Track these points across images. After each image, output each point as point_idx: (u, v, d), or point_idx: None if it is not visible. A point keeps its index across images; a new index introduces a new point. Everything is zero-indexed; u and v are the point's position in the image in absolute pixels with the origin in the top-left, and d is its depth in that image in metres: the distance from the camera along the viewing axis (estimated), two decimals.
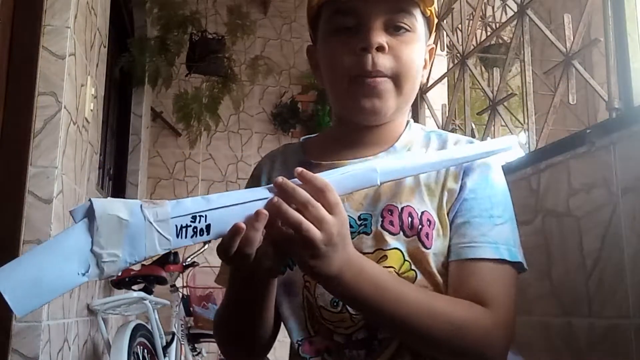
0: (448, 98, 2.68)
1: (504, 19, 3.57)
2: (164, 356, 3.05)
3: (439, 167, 0.84)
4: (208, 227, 0.66)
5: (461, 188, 0.85)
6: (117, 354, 2.49)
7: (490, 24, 3.92)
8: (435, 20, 0.95)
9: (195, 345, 3.60)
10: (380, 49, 0.84)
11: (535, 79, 1.82)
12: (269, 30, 5.30)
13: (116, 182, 4.11)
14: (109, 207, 0.62)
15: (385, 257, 0.83)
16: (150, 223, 0.63)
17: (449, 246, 0.84)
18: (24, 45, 1.98)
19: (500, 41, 3.78)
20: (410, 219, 0.83)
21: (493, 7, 3.91)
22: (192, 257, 3.59)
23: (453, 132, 2.29)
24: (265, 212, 0.68)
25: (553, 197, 1.31)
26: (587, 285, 1.17)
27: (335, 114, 0.97)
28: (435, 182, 0.86)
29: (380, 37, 0.84)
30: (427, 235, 0.83)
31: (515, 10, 1.70)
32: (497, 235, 0.82)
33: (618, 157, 1.10)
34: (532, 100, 1.63)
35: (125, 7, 3.99)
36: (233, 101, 4.35)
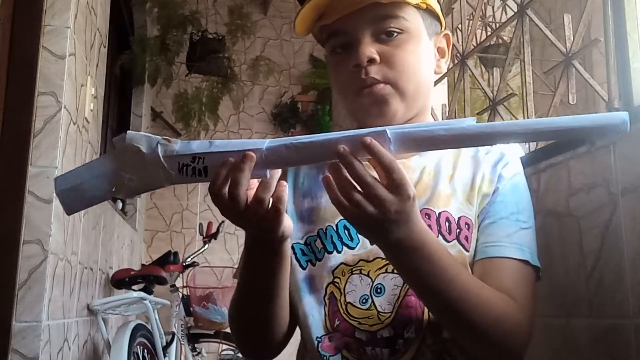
0: (448, 98, 2.68)
1: (504, 19, 3.57)
2: (164, 356, 3.05)
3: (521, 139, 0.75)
4: (205, 169, 0.70)
5: (494, 192, 0.89)
6: (117, 354, 2.49)
7: (490, 24, 3.92)
8: (437, 7, 0.94)
9: (195, 345, 3.60)
10: (371, 61, 0.86)
11: (535, 79, 1.82)
12: (269, 30, 5.30)
13: None
14: (135, 139, 0.71)
15: None
16: (160, 157, 0.70)
17: (475, 246, 0.87)
18: (24, 45, 1.98)
19: (500, 41, 3.78)
20: (447, 223, 0.86)
21: (493, 7, 3.91)
22: (192, 257, 3.60)
23: None
24: (252, 154, 0.68)
25: (553, 197, 1.30)
26: (587, 285, 1.17)
27: (355, 125, 1.00)
28: (471, 188, 0.90)
29: (369, 50, 0.86)
30: (466, 238, 0.86)
31: (515, 10, 1.70)
32: (521, 238, 0.86)
33: (618, 157, 1.10)
34: (532, 100, 1.63)
35: (125, 7, 3.99)
36: (233, 101, 4.35)
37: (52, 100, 1.98)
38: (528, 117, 1.61)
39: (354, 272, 0.87)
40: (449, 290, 0.75)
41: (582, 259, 1.19)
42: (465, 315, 0.77)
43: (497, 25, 3.60)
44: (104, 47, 2.73)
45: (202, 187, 4.99)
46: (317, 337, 0.87)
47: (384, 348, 0.84)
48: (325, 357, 0.86)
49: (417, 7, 0.90)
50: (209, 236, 3.74)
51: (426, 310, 0.84)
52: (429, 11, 0.92)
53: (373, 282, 0.86)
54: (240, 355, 3.68)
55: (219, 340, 3.59)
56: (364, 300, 0.86)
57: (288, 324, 0.91)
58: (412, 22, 0.89)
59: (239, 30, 4.18)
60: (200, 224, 3.90)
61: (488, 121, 1.83)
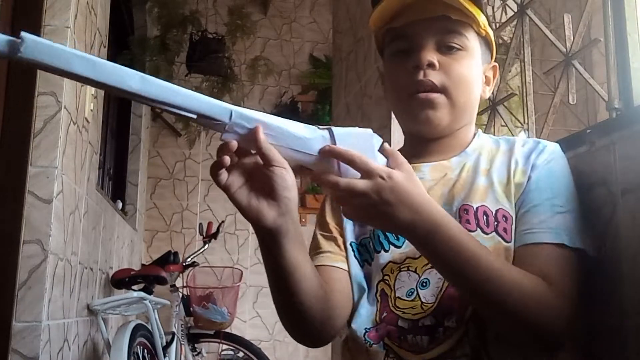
0: None
1: (504, 19, 3.57)
2: (164, 356, 3.05)
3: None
4: None
5: (527, 181, 0.91)
6: (117, 354, 2.49)
7: (490, 24, 3.92)
8: (493, 40, 1.02)
9: (195, 345, 3.60)
10: (431, 65, 0.92)
11: (535, 79, 1.82)
12: (269, 30, 5.30)
13: (116, 182, 4.11)
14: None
15: None
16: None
17: (514, 237, 0.88)
18: None
19: (500, 41, 3.78)
20: (485, 217, 0.89)
21: (493, 7, 3.91)
22: (192, 257, 3.60)
23: None
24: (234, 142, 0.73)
25: None
26: (587, 285, 1.17)
27: (404, 131, 1.07)
28: (507, 179, 0.92)
29: (431, 55, 0.93)
30: (505, 230, 0.89)
31: (515, 10, 1.70)
32: (557, 222, 0.87)
33: (618, 157, 1.10)
34: (532, 100, 1.63)
35: (126, 7, 3.98)
36: (233, 101, 4.35)
37: (52, 100, 1.98)
38: (528, 118, 1.61)
39: (402, 269, 0.92)
40: (472, 269, 0.77)
41: None
42: (489, 294, 0.78)
43: (497, 25, 3.60)
44: (104, 47, 2.73)
45: (202, 187, 4.99)
46: (365, 328, 0.92)
47: (424, 335, 0.86)
48: (369, 343, 0.91)
49: (478, 32, 0.98)
50: (209, 236, 3.74)
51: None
52: (485, 40, 1.01)
53: (420, 278, 0.90)
54: (240, 355, 3.68)
55: (219, 340, 3.59)
56: (410, 293, 0.90)
57: (335, 308, 0.91)
58: (471, 43, 0.97)
59: (238, 30, 4.18)
60: (200, 224, 3.90)
61: (488, 121, 1.83)
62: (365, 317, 0.93)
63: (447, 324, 0.85)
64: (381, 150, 0.79)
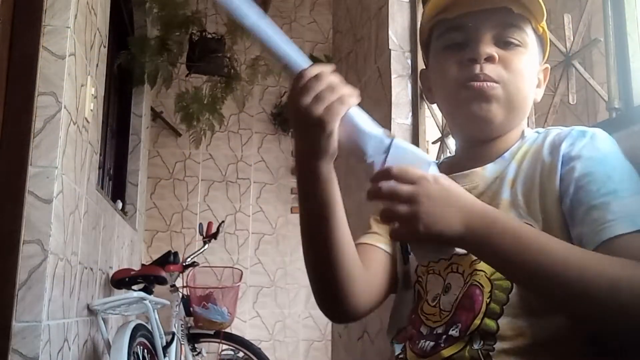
0: None
1: None
2: (164, 356, 3.05)
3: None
4: None
5: (567, 184, 0.80)
6: (117, 354, 2.49)
7: None
8: (548, 39, 0.95)
9: (195, 345, 3.60)
10: (490, 59, 0.86)
11: None
12: None
13: (116, 182, 4.11)
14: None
15: (477, 260, 0.83)
16: None
17: (581, 239, 0.77)
18: (24, 45, 1.98)
19: None
20: None
21: None
22: (192, 257, 3.60)
23: None
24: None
25: None
26: None
27: (455, 136, 1.00)
28: (531, 187, 0.84)
29: (490, 48, 0.86)
30: None
31: None
32: (627, 208, 0.75)
33: None
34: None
35: (126, 7, 3.98)
36: (236, 101, 4.33)
37: (52, 100, 1.98)
38: (528, 117, 1.60)
39: (429, 272, 0.91)
40: (542, 259, 0.70)
41: None
42: (569, 284, 0.69)
43: None
44: (104, 47, 2.73)
45: (202, 187, 4.99)
46: (398, 329, 0.94)
47: (431, 342, 0.85)
48: (392, 344, 0.94)
49: (535, 29, 0.90)
50: (209, 236, 3.74)
51: (480, 316, 0.81)
52: (540, 38, 0.93)
53: (445, 281, 0.88)
54: (240, 355, 3.68)
55: (219, 340, 3.59)
56: (434, 299, 0.89)
57: (368, 284, 0.92)
58: (530, 40, 0.90)
59: (238, 31, 4.17)
60: (200, 224, 3.90)
61: None
62: (400, 316, 0.94)
63: (450, 333, 0.83)
64: None
